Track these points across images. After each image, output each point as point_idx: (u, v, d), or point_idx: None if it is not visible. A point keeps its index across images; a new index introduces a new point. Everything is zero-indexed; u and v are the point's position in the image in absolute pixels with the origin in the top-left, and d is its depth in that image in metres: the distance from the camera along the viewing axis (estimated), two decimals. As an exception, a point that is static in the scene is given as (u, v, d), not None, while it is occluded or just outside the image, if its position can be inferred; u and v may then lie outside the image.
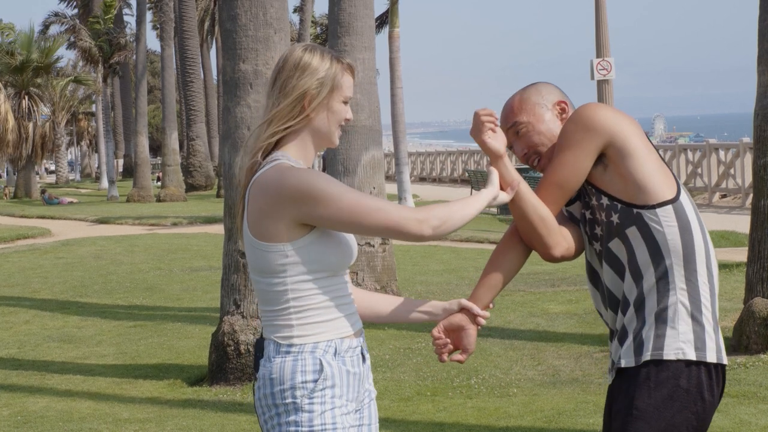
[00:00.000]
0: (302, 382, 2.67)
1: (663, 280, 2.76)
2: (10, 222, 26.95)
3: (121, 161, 58.82)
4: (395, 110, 25.01)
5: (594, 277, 2.93)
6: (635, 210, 2.77)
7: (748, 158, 21.39)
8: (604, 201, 2.83)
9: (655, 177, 2.77)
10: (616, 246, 2.83)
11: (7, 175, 51.17)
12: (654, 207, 2.76)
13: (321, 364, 2.68)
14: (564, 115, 2.95)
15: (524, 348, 8.40)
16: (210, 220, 23.88)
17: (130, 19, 57.81)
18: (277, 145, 2.78)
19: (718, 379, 2.77)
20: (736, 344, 7.60)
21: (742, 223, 15.96)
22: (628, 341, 2.79)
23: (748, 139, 21.76)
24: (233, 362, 7.55)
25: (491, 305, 2.98)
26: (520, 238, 2.95)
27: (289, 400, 2.67)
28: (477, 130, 2.87)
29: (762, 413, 6.11)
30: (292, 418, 2.66)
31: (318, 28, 40.70)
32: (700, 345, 2.74)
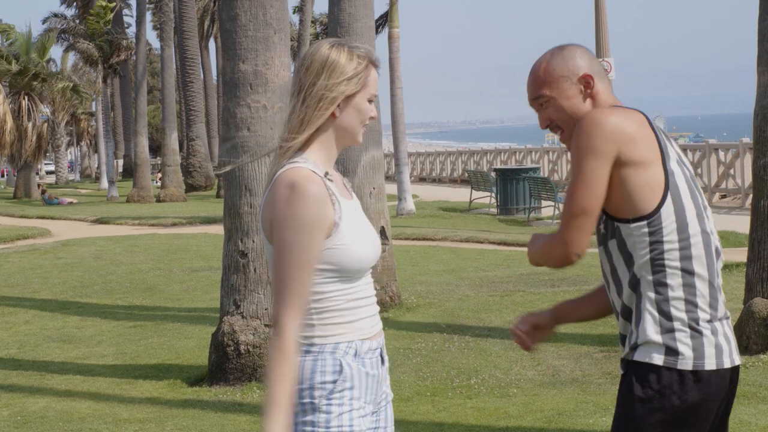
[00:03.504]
0: (321, 383, 2.66)
1: (636, 289, 2.73)
2: (10, 222, 26.94)
3: (120, 161, 58.81)
4: (395, 110, 24.99)
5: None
6: (615, 223, 2.76)
7: (748, 158, 21.40)
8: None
9: (640, 191, 2.70)
10: (600, 253, 2.85)
11: (5, 176, 51.17)
12: (629, 221, 2.72)
13: (341, 365, 2.67)
14: (589, 90, 2.85)
15: (524, 348, 8.39)
16: (210, 221, 23.87)
17: (130, 20, 57.81)
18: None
19: (689, 384, 2.68)
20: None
21: (742, 224, 15.95)
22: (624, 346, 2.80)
23: (747, 140, 21.76)
24: (233, 362, 7.55)
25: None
26: None
27: (306, 400, 2.66)
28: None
29: (762, 413, 6.11)
30: (309, 418, 2.65)
31: (318, 28, 40.68)
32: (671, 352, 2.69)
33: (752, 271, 7.70)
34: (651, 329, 2.70)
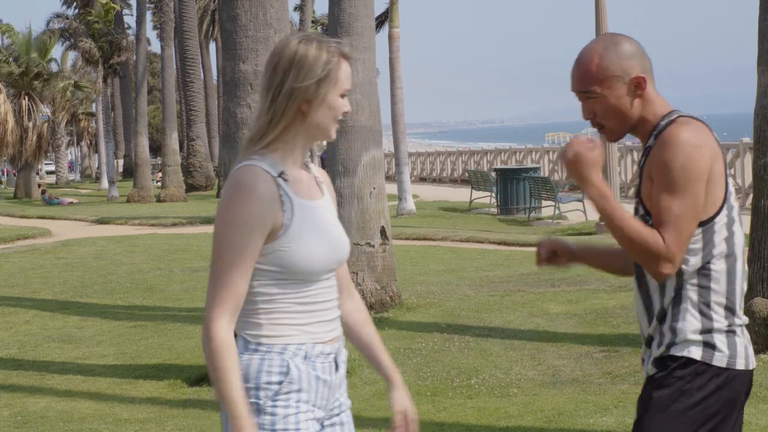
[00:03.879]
0: (267, 383, 2.60)
1: (680, 292, 2.80)
2: (10, 222, 26.95)
3: (121, 161, 58.82)
4: (395, 110, 24.99)
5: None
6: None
7: (748, 158, 21.39)
8: (641, 212, 2.82)
9: (706, 200, 2.76)
10: None
11: (6, 176, 51.17)
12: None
13: (288, 366, 2.61)
14: (639, 92, 2.80)
15: (524, 348, 8.39)
16: (210, 221, 23.87)
17: (130, 20, 57.82)
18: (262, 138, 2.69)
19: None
20: (736, 344, 7.60)
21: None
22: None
23: (748, 139, 21.76)
24: (233, 362, 7.54)
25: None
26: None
27: (252, 400, 2.59)
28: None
29: (762, 413, 6.11)
30: (254, 419, 2.57)
31: (319, 28, 40.68)
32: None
33: (752, 271, 7.70)
34: (691, 328, 2.76)
